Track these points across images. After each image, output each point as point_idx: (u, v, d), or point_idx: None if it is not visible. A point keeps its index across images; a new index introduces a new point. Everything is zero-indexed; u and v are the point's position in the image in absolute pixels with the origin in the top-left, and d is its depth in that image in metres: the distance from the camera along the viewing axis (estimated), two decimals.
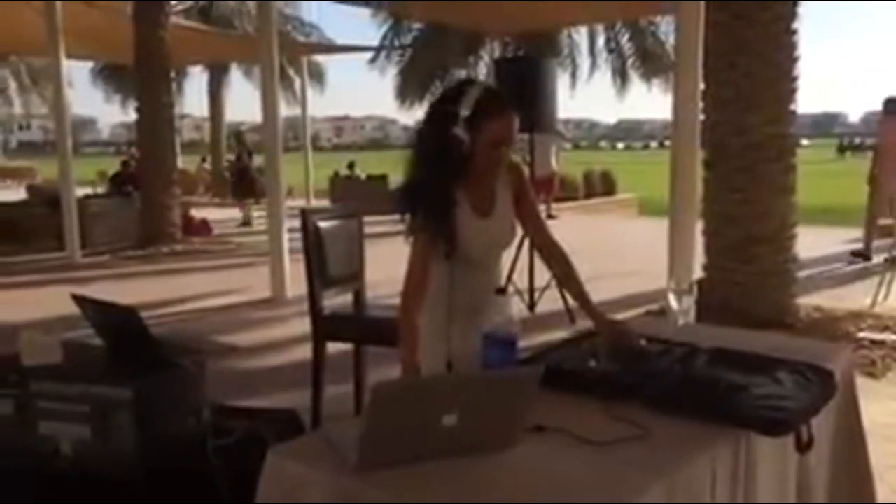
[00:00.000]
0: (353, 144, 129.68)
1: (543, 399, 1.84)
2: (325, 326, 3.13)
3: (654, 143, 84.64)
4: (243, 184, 14.26)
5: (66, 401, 1.93)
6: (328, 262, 3.11)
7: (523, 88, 5.75)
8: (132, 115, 11.74)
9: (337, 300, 3.37)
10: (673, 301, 2.61)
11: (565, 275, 2.49)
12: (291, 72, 20.74)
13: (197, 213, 13.37)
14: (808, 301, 6.29)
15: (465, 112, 2.11)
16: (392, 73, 16.66)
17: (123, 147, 25.67)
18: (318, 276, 3.05)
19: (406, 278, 2.24)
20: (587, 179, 15.55)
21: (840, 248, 9.86)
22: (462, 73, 17.04)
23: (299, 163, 17.24)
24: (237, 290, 7.89)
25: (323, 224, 3.10)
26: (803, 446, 2.05)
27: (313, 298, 3.06)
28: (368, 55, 17.52)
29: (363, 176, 17.53)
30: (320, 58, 22.21)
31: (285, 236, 7.56)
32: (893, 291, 6.62)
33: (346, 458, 1.66)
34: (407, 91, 16.70)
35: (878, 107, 8.84)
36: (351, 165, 17.96)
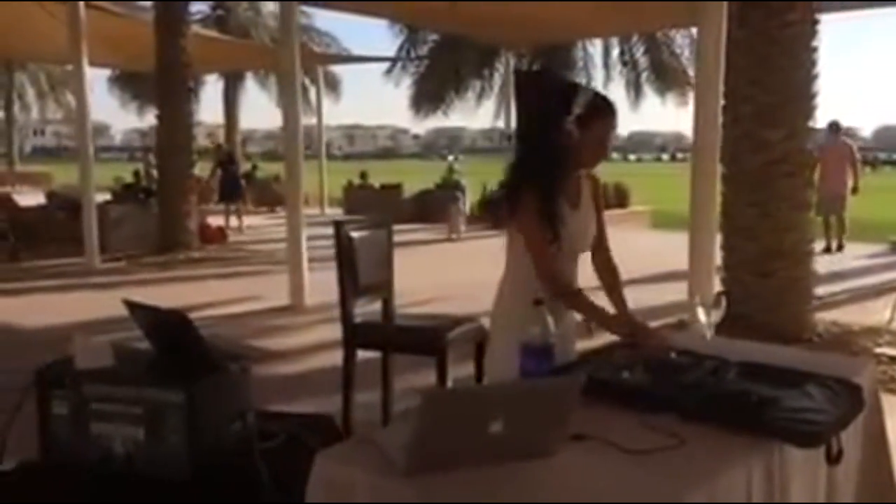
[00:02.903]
0: (364, 153, 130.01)
1: (579, 408, 1.90)
2: (355, 334, 3.20)
3: (665, 156, 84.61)
4: (229, 188, 14.60)
5: (119, 402, 2.00)
6: (359, 272, 3.17)
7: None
8: (146, 122, 11.92)
9: (367, 308, 3.44)
10: (701, 314, 2.65)
11: (611, 286, 2.70)
12: (307, 81, 20.96)
13: (213, 221, 13.51)
14: (825, 316, 6.32)
15: (578, 110, 2.33)
16: (407, 83, 16.84)
17: (138, 153, 25.86)
18: (350, 285, 3.12)
19: (535, 258, 2.42)
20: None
21: (858, 262, 9.89)
22: (476, 85, 17.16)
23: (313, 171, 17.35)
24: (255, 297, 7.96)
25: (355, 234, 3.17)
26: (833, 458, 2.10)
27: (345, 306, 3.13)
28: (381, 65, 17.69)
29: (377, 185, 17.62)
30: (335, 67, 22.38)
31: (304, 244, 7.64)
32: None
33: (394, 462, 1.72)
34: (422, 101, 16.82)
35: (891, 121, 8.91)
36: (364, 175, 18.06)
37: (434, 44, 16.01)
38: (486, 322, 2.71)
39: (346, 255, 3.10)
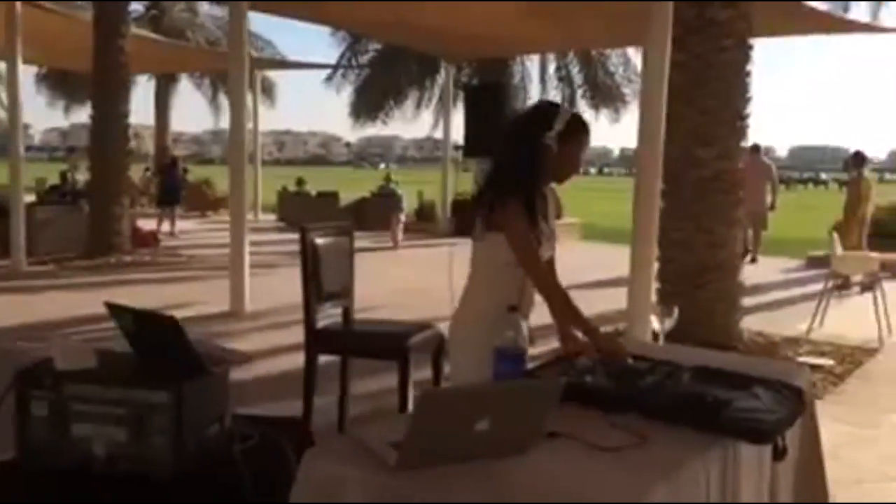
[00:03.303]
0: (294, 159, 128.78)
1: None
2: (318, 339, 3.26)
3: (592, 170, 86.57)
4: (170, 192, 14.49)
5: (103, 403, 2.02)
6: (322, 278, 3.24)
7: (493, 113, 5.97)
8: (69, 121, 11.65)
9: (328, 314, 3.50)
10: (655, 322, 2.83)
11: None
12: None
13: (144, 225, 13.26)
14: (750, 326, 6.64)
15: (558, 127, 2.51)
16: (348, 91, 16.86)
17: (60, 153, 25.07)
18: (314, 291, 3.18)
19: (531, 262, 2.58)
20: None
21: (778, 276, 10.38)
22: (415, 95, 17.29)
23: (246, 177, 17.16)
24: (193, 302, 7.87)
25: (319, 241, 3.24)
26: (779, 455, 2.29)
27: (308, 311, 3.19)
28: (318, 72, 17.67)
29: (313, 192, 17.55)
30: (271, 73, 22.19)
31: (247, 250, 7.60)
32: (828, 319, 7.03)
33: (383, 458, 1.81)
34: (361, 109, 16.86)
35: (806, 142, 9.46)
36: (300, 182, 17.96)
37: (376, 53, 16.09)
38: (442, 327, 2.81)
39: (310, 261, 3.15)
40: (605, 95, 16.19)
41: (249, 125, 19.70)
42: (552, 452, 1.92)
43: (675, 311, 2.86)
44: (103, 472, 2.04)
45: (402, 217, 14.38)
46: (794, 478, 2.64)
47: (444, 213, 15.08)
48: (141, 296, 8.39)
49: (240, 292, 7.42)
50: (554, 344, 2.78)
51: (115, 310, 2.15)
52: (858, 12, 12.62)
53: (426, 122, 17.96)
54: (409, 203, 17.04)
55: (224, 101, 24.48)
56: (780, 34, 9.51)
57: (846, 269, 7.88)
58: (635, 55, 16.16)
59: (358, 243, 11.13)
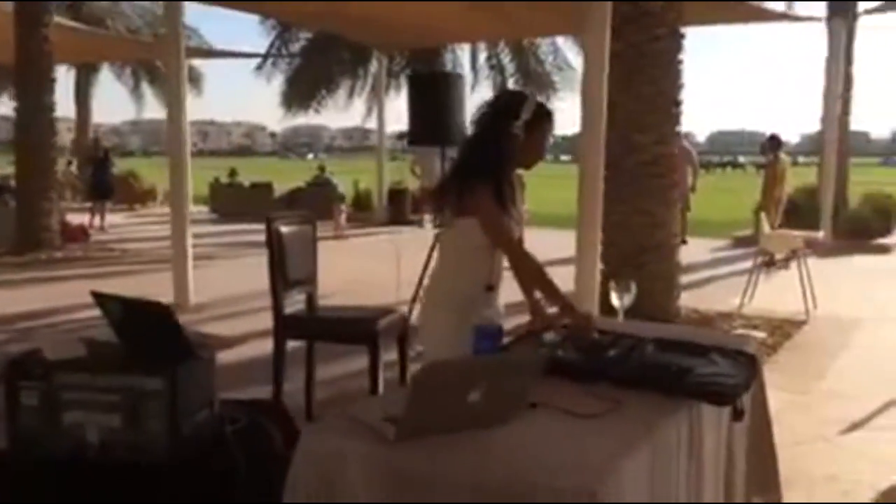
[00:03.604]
0: (218, 150, 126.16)
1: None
2: (288, 325, 3.31)
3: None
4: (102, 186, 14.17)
5: (95, 391, 2.06)
6: (287, 266, 3.29)
7: (439, 102, 6.04)
8: None
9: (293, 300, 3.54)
10: (615, 299, 2.98)
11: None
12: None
13: (72, 219, 12.89)
14: (686, 303, 6.93)
15: (526, 115, 2.62)
16: (278, 80, 16.66)
17: None
18: (280, 278, 3.23)
19: (506, 241, 2.68)
20: None
21: (706, 256, 10.81)
22: (347, 84, 17.22)
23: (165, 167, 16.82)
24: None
25: (284, 229, 3.28)
26: (738, 415, 2.47)
27: (276, 298, 3.24)
28: (246, 61, 17.42)
29: (246, 183, 17.32)
30: (196, 62, 21.73)
31: (190, 242, 7.52)
32: (757, 294, 7.39)
33: (381, 433, 1.90)
34: (293, 99, 16.69)
35: (724, 127, 9.88)
36: (233, 173, 17.71)
37: (307, 41, 15.94)
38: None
39: (276, 250, 3.20)
40: (537, 83, 16.45)
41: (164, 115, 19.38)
42: (536, 421, 2.04)
43: (633, 287, 3.01)
44: (98, 460, 2.07)
45: (344, 207, 14.36)
46: (747, 439, 2.84)
47: (380, 202, 15.10)
48: (76, 292, 8.21)
49: (183, 284, 7.34)
50: (515, 321, 2.91)
51: (101, 298, 2.18)
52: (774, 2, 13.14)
53: (358, 111, 17.94)
54: (345, 193, 17.02)
55: (147, 90, 23.86)
56: (706, 23, 9.87)
57: (773, 247, 8.27)
58: (564, 44, 16.51)
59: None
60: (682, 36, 6.30)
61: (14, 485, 2.09)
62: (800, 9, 12.46)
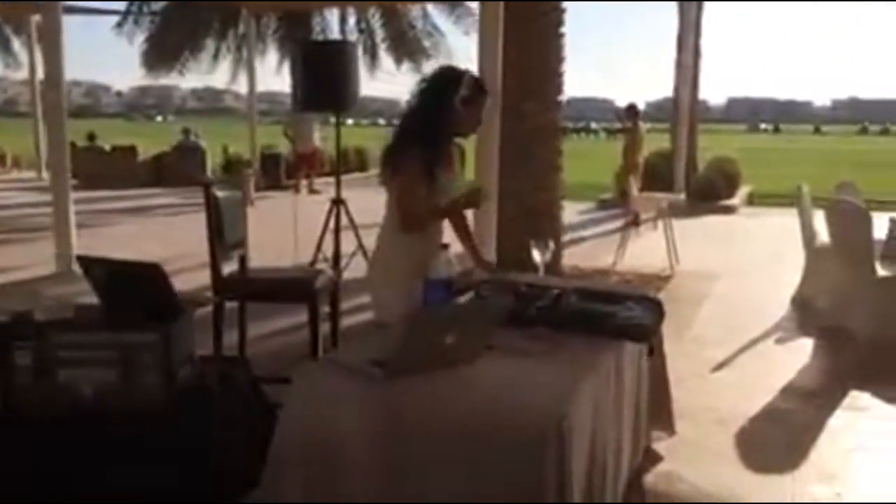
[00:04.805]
0: None
1: None
2: (227, 286, 3.44)
3: (381, 121, 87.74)
4: None
5: (90, 349, 2.18)
6: (224, 230, 3.41)
7: (331, 70, 6.16)
8: None
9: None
10: (536, 255, 3.33)
11: (465, 235, 3.33)
12: (9, 31, 19.06)
13: None
14: (565, 262, 7.46)
15: (464, 91, 2.86)
16: (139, 40, 15.90)
17: None
18: (218, 242, 3.36)
19: (410, 209, 2.89)
20: (346, 155, 16.12)
21: (576, 218, 11.49)
22: (214, 45, 16.72)
23: (23, 133, 15.80)
24: (8, 268, 7.42)
25: (220, 194, 3.40)
26: (651, 352, 2.89)
27: (214, 261, 3.37)
28: (90, 17, 16.57)
29: (107, 147, 16.56)
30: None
31: (72, 209, 7.29)
32: (628, 252, 8.02)
33: (368, 374, 2.14)
34: (155, 59, 16.03)
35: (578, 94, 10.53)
36: (91, 136, 16.85)
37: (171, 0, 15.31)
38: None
39: (214, 214, 3.32)
40: (409, 49, 16.63)
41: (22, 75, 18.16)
42: (498, 360, 2.35)
43: (551, 244, 3.38)
44: (93, 411, 2.20)
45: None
46: (650, 375, 3.29)
47: (253, 168, 14.88)
48: None
49: (67, 254, 7.11)
50: None
51: (85, 262, 2.28)
52: None
53: (222, 73, 17.45)
54: (213, 157, 16.62)
55: None
56: None
57: (641, 208, 8.97)
58: (433, 9, 16.71)
59: (150, 201, 10.96)
60: (563, 10, 6.72)
61: (11, 443, 2.18)
62: None
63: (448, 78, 2.97)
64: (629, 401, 2.90)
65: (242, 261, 3.62)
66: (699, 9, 13.60)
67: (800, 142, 56.78)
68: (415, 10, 16.27)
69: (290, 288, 3.51)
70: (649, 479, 3.29)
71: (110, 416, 2.18)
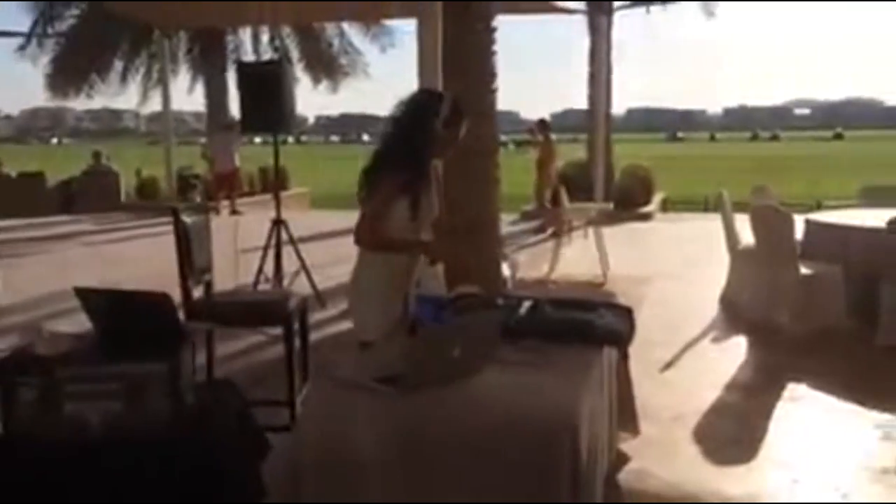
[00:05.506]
0: None
1: None
2: (198, 312, 3.41)
3: (304, 138, 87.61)
4: None
5: (97, 381, 2.15)
6: (193, 254, 3.39)
7: (268, 90, 6.17)
8: None
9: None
10: (506, 269, 3.45)
11: None
12: None
13: None
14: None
15: (445, 112, 2.90)
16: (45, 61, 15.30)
17: None
18: (188, 267, 3.34)
19: (377, 233, 2.87)
20: (264, 175, 15.93)
21: (505, 228, 11.68)
22: (122, 66, 16.30)
23: None
24: None
25: (188, 220, 3.38)
26: (626, 356, 3.05)
27: (185, 286, 3.35)
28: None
29: (13, 174, 15.85)
30: None
31: None
32: (562, 261, 8.25)
33: (377, 391, 2.19)
34: (62, 81, 15.46)
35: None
36: None
37: (76, 20, 14.81)
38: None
39: (183, 239, 3.30)
40: (325, 68, 16.62)
41: None
42: (498, 373, 2.43)
43: (518, 259, 3.51)
44: (99, 444, 2.17)
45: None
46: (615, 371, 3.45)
47: (171, 189, 14.51)
48: None
49: None
50: None
51: (83, 293, 2.25)
52: None
53: (132, 94, 17.04)
54: (126, 181, 16.12)
55: None
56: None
57: (573, 217, 9.23)
58: (350, 28, 16.76)
59: (59, 229, 10.61)
60: (494, 29, 6.91)
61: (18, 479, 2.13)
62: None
63: (428, 101, 3.04)
64: (607, 403, 3.04)
65: (208, 286, 3.60)
66: (609, 25, 14.12)
67: (699, 149, 59.32)
68: (330, 29, 16.28)
69: (265, 311, 3.51)
70: (622, 477, 3.45)
71: (119, 447, 2.16)
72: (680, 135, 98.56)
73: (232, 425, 2.52)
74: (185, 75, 17.17)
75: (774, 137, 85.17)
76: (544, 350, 2.65)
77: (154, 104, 17.56)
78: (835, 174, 28.09)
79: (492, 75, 6.91)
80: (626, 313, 3.14)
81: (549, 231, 9.07)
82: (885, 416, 4.13)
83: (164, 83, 13.87)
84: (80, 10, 14.39)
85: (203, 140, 14.11)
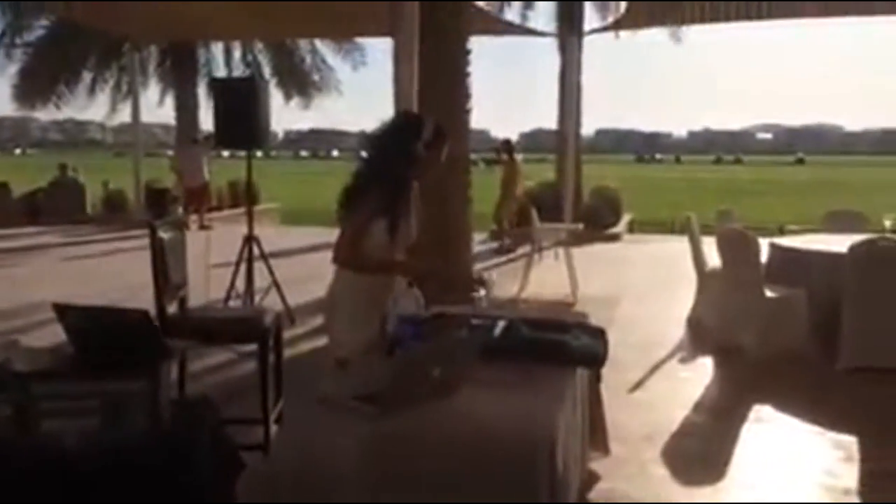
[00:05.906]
0: None
1: None
2: (173, 328, 3.39)
3: (274, 153, 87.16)
4: None
5: (74, 398, 2.15)
6: (169, 269, 3.39)
7: (243, 107, 6.18)
8: None
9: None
10: (482, 290, 3.49)
11: None
12: None
13: None
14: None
15: (427, 136, 2.92)
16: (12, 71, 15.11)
17: None
18: (163, 282, 3.33)
19: (355, 252, 2.89)
20: (233, 189, 15.84)
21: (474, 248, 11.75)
22: (91, 77, 16.15)
23: None
24: None
25: (164, 235, 3.38)
26: (599, 377, 3.10)
27: (160, 302, 3.33)
28: None
29: None
30: None
31: None
32: (532, 281, 8.32)
33: (357, 410, 2.21)
34: (27, 91, 15.27)
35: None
36: None
37: (45, 30, 14.67)
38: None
39: (159, 254, 3.29)
40: (298, 83, 16.63)
41: None
42: (477, 392, 2.46)
43: (494, 278, 3.55)
44: (78, 465, 2.16)
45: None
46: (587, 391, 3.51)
47: (138, 203, 14.37)
48: None
49: None
50: None
51: (62, 309, 2.25)
52: (511, 14, 14.41)
53: (103, 104, 16.88)
54: (92, 193, 15.92)
55: None
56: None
57: (544, 238, 9.32)
58: (322, 45, 16.79)
59: (27, 241, 10.52)
60: (468, 52, 7.01)
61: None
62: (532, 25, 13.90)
63: (409, 123, 3.08)
64: (581, 421, 3.09)
65: (182, 302, 3.59)
66: (580, 48, 14.33)
67: (664, 171, 60.12)
68: (303, 45, 16.31)
69: (242, 327, 3.51)
70: (592, 496, 3.49)
71: (96, 464, 2.15)
72: (658, 156, 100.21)
73: (207, 443, 2.51)
74: (155, 88, 17.10)
75: (738, 161, 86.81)
76: (521, 371, 2.68)
77: (122, 116, 17.37)
78: (797, 198, 28.72)
79: (466, 96, 7.02)
80: (600, 334, 3.19)
81: (517, 251, 9.12)
82: (847, 437, 4.23)
83: (134, 96, 13.76)
84: (49, 21, 14.26)
85: (170, 153, 13.97)
